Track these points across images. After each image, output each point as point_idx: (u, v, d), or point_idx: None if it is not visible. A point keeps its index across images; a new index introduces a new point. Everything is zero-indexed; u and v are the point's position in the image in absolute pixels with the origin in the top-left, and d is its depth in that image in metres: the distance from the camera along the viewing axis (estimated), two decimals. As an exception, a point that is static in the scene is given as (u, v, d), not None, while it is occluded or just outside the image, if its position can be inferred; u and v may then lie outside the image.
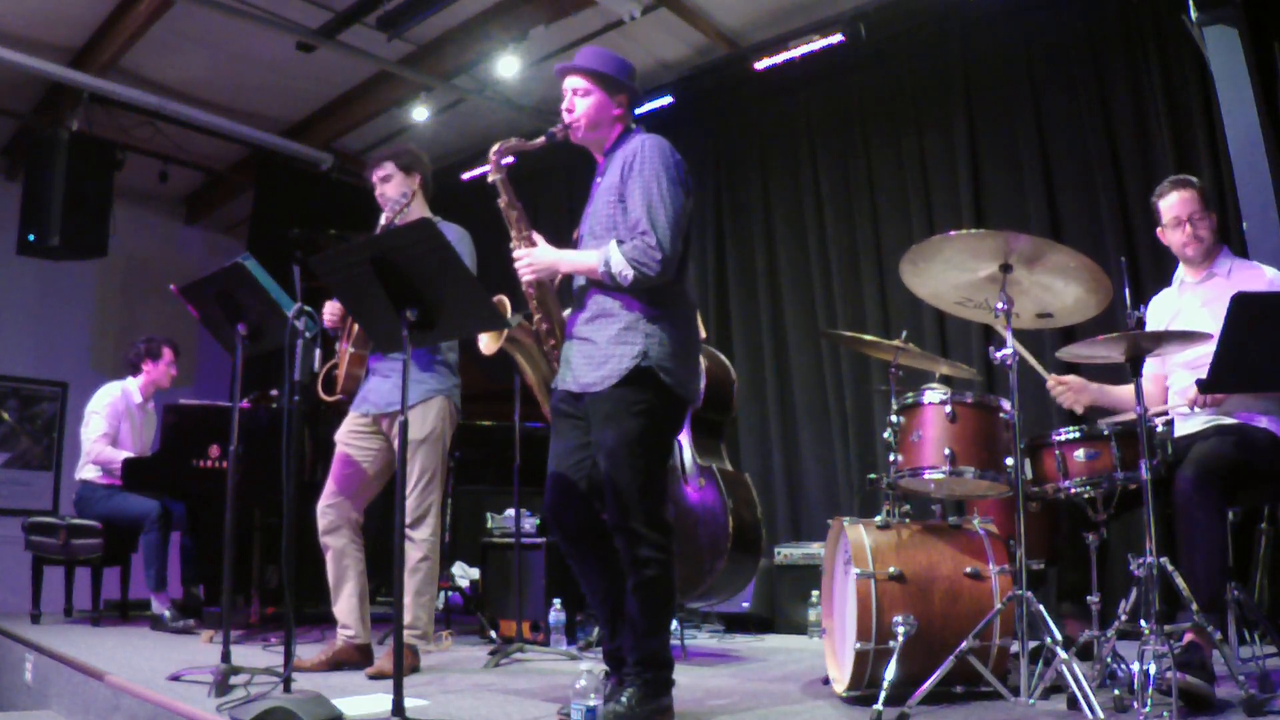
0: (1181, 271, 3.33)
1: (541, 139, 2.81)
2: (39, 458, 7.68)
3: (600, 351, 2.60)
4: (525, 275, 2.75)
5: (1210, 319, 2.99)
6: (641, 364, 2.56)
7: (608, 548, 2.66)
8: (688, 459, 4.23)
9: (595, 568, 2.70)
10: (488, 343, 2.83)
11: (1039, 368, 3.36)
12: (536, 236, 2.83)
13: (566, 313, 2.86)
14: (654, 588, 2.54)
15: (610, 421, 2.56)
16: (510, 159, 2.95)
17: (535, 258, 2.74)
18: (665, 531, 2.57)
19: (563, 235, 2.91)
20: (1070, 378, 3.39)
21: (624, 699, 2.49)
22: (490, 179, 2.86)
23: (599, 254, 2.60)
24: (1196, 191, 3.20)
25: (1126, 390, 3.34)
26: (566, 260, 2.71)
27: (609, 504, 2.57)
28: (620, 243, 2.58)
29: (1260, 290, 3.01)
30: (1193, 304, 3.23)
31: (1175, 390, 3.25)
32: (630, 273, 2.55)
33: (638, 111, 6.10)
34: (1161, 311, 3.35)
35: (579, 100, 2.75)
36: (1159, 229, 3.29)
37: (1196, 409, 3.03)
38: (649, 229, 2.55)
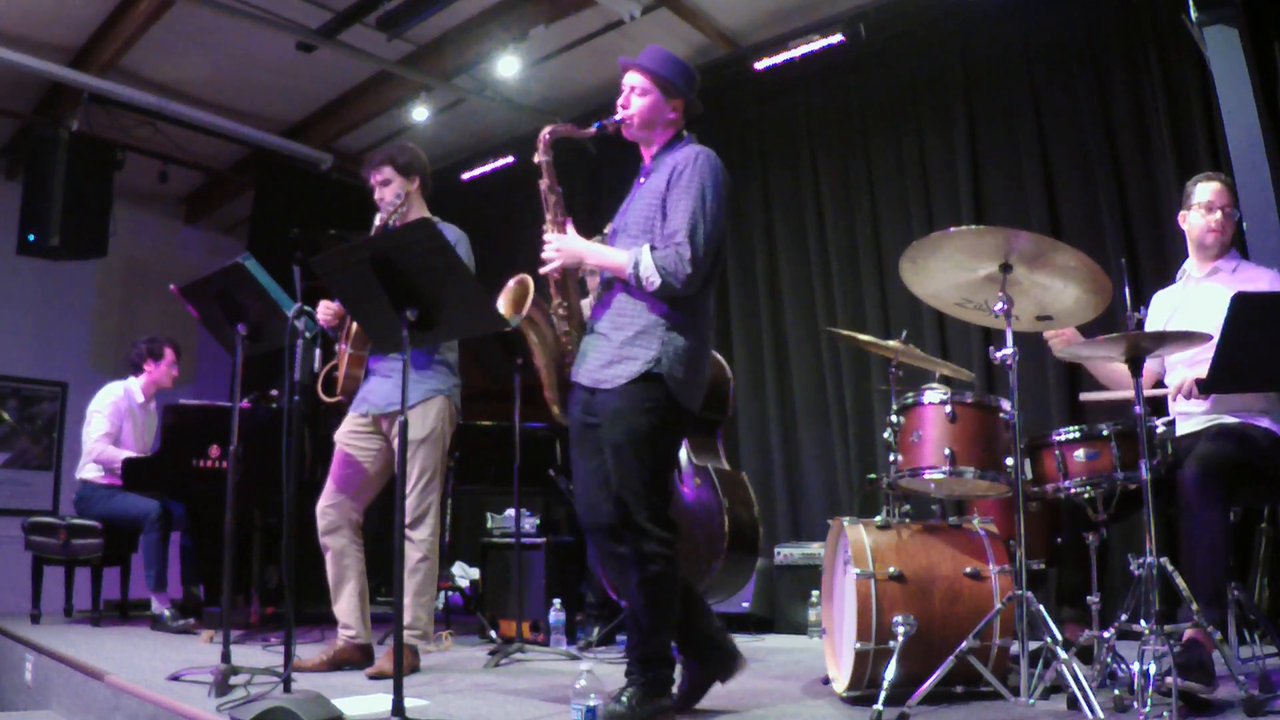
0: (1188, 265, 3.34)
1: (593, 129, 2.82)
2: (39, 458, 7.68)
3: (614, 351, 2.62)
4: (552, 260, 2.76)
5: (1214, 315, 3.00)
6: (653, 370, 2.57)
7: None
8: (683, 459, 4.23)
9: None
10: (505, 309, 2.80)
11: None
12: (569, 225, 2.84)
13: (585, 302, 2.86)
14: (658, 585, 2.55)
15: (619, 417, 2.58)
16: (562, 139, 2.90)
17: (564, 245, 2.75)
18: (670, 528, 2.59)
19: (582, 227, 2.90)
20: (1066, 330, 3.33)
21: (624, 699, 2.50)
22: (536, 159, 2.85)
23: (629, 254, 2.61)
24: (1232, 190, 3.28)
25: (1113, 368, 3.34)
26: (594, 254, 2.72)
27: (613, 499, 2.57)
28: (653, 248, 2.60)
29: (1260, 290, 3.01)
30: (1196, 299, 3.24)
31: (1173, 390, 3.25)
32: (658, 280, 2.57)
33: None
34: (1163, 307, 3.36)
35: (635, 98, 2.77)
36: (1182, 213, 3.31)
37: (1182, 397, 3.03)
38: (685, 241, 2.57)
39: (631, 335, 2.61)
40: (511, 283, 2.82)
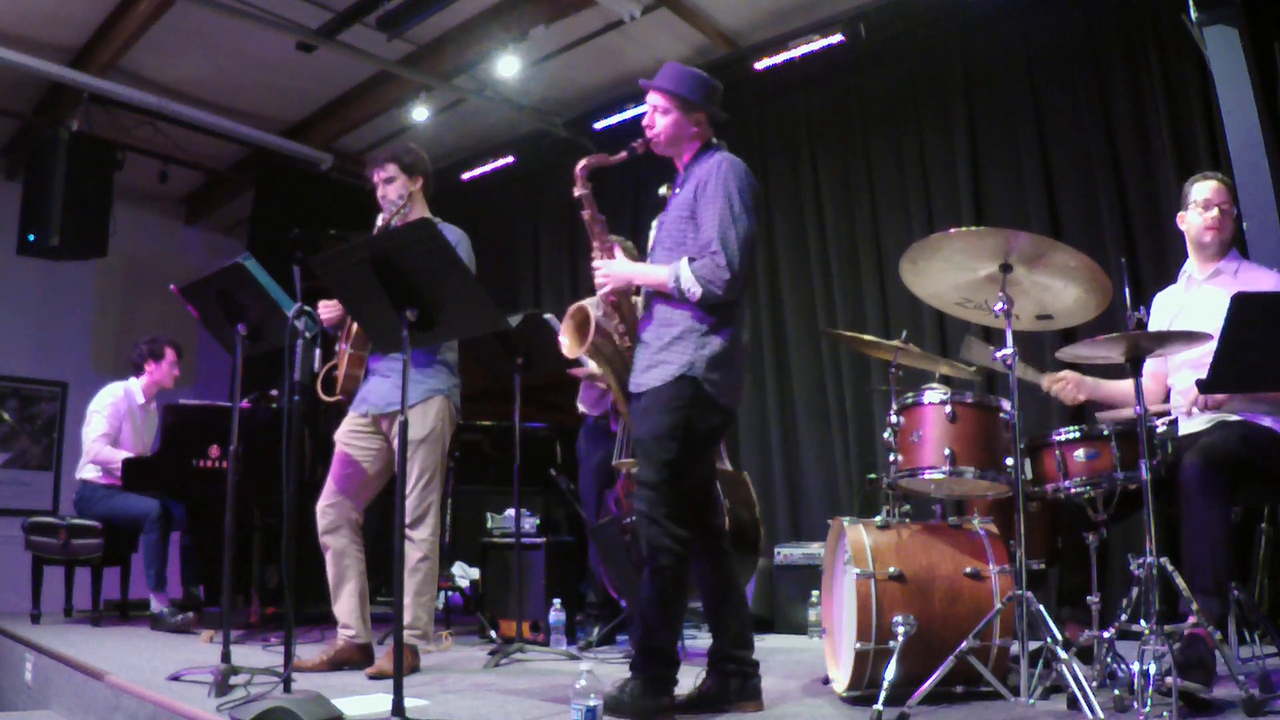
0: (1189, 266, 3.34)
1: (623, 154, 2.94)
2: (39, 458, 7.67)
3: (651, 356, 2.74)
4: (604, 286, 2.86)
5: (1217, 318, 3.00)
6: (687, 373, 2.66)
7: (716, 547, 2.82)
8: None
9: (702, 567, 2.79)
10: (570, 346, 2.90)
11: (1032, 373, 3.37)
12: (616, 250, 2.94)
13: None
14: (665, 579, 2.60)
15: (645, 415, 2.70)
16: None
17: (611, 270, 2.86)
18: (687, 528, 2.64)
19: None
20: (1066, 373, 3.41)
21: (626, 690, 2.53)
22: (576, 194, 2.97)
23: (670, 269, 2.71)
24: (1230, 189, 3.27)
25: (1123, 385, 3.35)
26: (639, 274, 2.84)
27: (637, 493, 2.66)
28: (691, 260, 2.68)
29: (1261, 290, 3.01)
30: (1198, 301, 3.23)
31: (1177, 390, 3.25)
32: (698, 290, 2.66)
33: (624, 115, 6.18)
34: (1166, 309, 3.35)
35: (658, 117, 2.88)
36: (1180, 213, 3.31)
37: (1196, 410, 3.03)
38: (719, 249, 2.66)
39: (668, 342, 2.71)
40: (571, 310, 2.90)
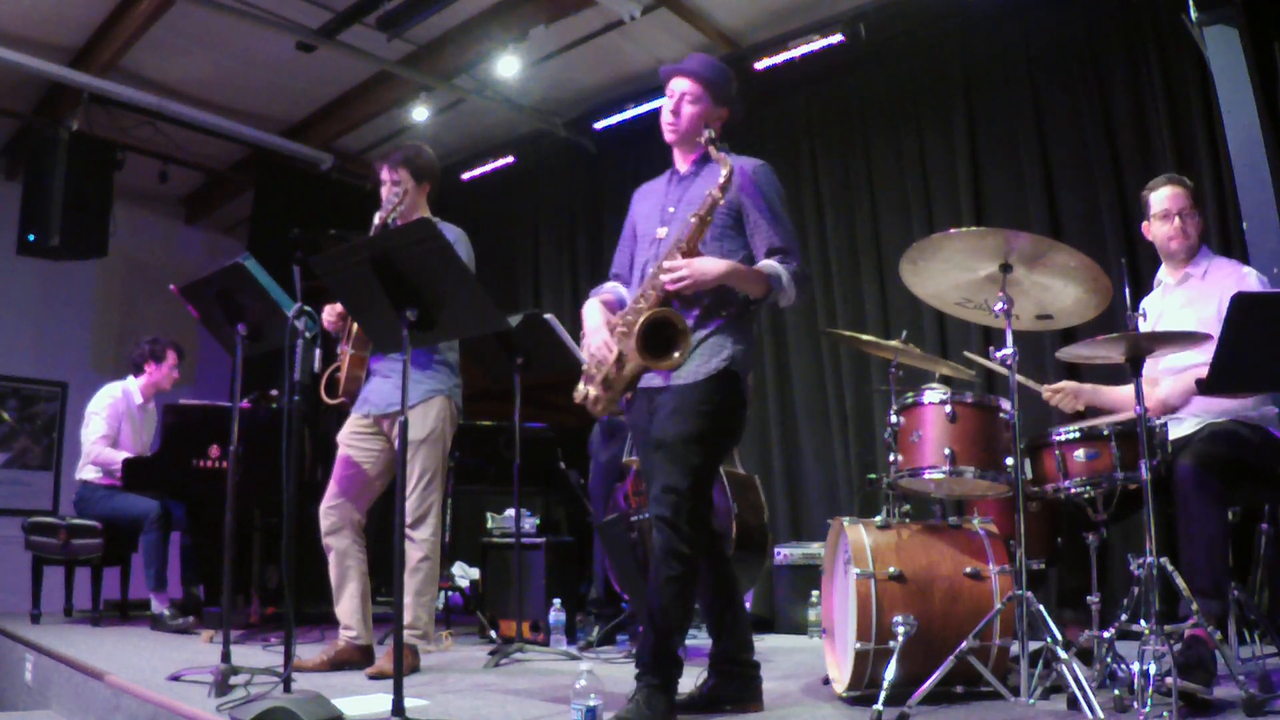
0: (1162, 273, 3.36)
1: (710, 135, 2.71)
2: (39, 458, 7.67)
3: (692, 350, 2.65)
4: (678, 286, 2.59)
5: (1191, 320, 3.01)
6: (731, 367, 2.64)
7: (715, 551, 2.79)
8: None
9: (702, 569, 2.73)
10: (668, 361, 2.59)
11: (1031, 384, 3.37)
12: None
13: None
14: (681, 584, 2.57)
15: (675, 416, 2.60)
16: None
17: (695, 269, 2.58)
18: (704, 533, 2.62)
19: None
20: (1065, 383, 3.41)
21: (635, 701, 2.51)
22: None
23: (771, 271, 2.65)
24: (1188, 190, 3.24)
25: (1121, 391, 3.35)
26: (735, 273, 2.61)
27: (655, 496, 2.58)
28: (780, 263, 2.68)
29: (1257, 290, 3.01)
30: (1173, 306, 3.24)
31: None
32: (795, 293, 2.67)
33: (624, 115, 6.18)
34: (1149, 314, 3.36)
35: (685, 105, 2.76)
36: (1144, 223, 3.31)
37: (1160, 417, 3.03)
38: (797, 253, 2.70)
39: (704, 335, 2.65)
40: (646, 322, 2.58)
